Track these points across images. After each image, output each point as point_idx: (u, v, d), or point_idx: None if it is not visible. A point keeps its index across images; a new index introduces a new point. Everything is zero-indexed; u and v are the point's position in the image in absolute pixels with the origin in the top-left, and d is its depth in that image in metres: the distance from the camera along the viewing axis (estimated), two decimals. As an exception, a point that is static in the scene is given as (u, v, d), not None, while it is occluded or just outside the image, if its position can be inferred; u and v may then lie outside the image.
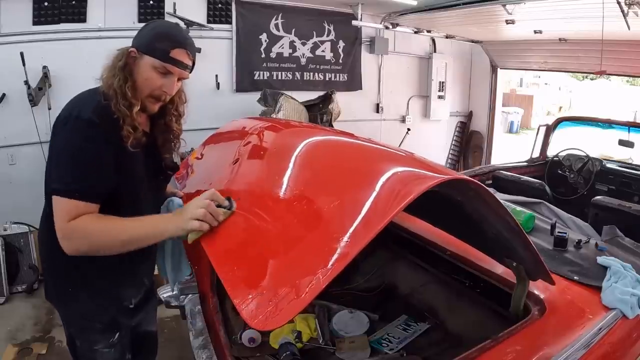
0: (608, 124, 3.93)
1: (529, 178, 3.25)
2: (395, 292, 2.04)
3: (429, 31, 5.50)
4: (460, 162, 6.63)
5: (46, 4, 3.46)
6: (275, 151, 1.53)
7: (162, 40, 1.22)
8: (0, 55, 3.35)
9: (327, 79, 5.13)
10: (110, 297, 1.39)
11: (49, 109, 3.48)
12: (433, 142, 6.31)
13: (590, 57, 4.58)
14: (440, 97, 6.09)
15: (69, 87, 3.34)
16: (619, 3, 3.06)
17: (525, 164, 3.95)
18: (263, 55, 4.65)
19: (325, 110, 4.33)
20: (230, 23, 4.39)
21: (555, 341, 1.25)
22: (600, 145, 4.91)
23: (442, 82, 6.05)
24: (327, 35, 5.03)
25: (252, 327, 0.88)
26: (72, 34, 3.62)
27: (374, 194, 1.00)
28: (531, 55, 5.65)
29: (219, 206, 1.16)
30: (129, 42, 1.28)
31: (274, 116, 3.77)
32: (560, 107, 15.94)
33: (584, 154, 3.73)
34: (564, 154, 3.86)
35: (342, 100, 4.58)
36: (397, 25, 5.21)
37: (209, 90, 4.38)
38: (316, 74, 5.05)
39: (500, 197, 2.25)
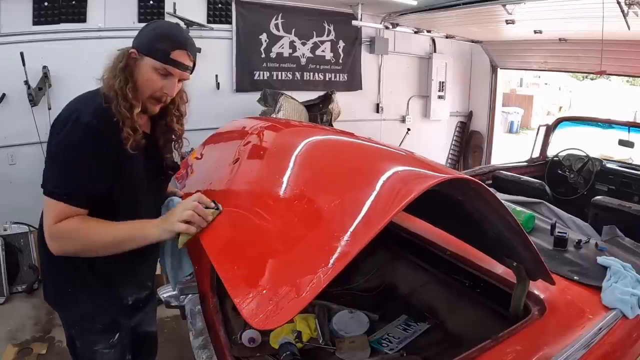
0: (608, 124, 3.93)
1: (529, 178, 3.25)
2: (395, 292, 2.04)
3: (429, 31, 5.50)
4: (460, 162, 6.63)
5: (46, 4, 3.46)
6: (275, 151, 1.53)
7: (163, 42, 1.22)
8: (0, 55, 3.35)
9: (327, 79, 5.13)
10: (110, 298, 1.39)
11: (49, 109, 3.47)
12: (433, 142, 6.31)
13: (590, 57, 4.58)
14: (440, 97, 6.09)
15: (69, 87, 3.35)
16: (619, 3, 3.06)
17: (525, 164, 3.95)
18: (263, 55, 4.65)
19: (325, 110, 4.33)
20: (230, 23, 4.39)
21: (555, 341, 1.25)
22: (600, 145, 4.91)
23: (442, 82, 6.05)
24: (327, 35, 5.03)
25: (253, 326, 0.88)
26: (72, 34, 3.62)
27: (375, 193, 1.00)
28: (531, 55, 5.65)
29: (207, 208, 1.18)
30: (129, 42, 1.27)
31: (274, 116, 3.77)
32: (560, 107, 15.94)
33: (584, 154, 3.73)
34: (564, 154, 3.86)
35: (342, 100, 4.58)
36: (397, 25, 5.22)
37: (209, 90, 4.38)
38: (316, 74, 5.05)
39: (500, 197, 2.25)
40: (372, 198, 0.98)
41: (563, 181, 3.79)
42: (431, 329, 1.73)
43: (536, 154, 4.06)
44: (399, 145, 5.65)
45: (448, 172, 1.08)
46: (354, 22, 4.89)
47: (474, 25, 4.89)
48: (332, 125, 4.25)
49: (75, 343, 1.42)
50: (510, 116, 13.28)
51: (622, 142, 3.68)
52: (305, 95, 4.57)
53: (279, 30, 4.69)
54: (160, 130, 1.41)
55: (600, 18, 3.33)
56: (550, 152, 4.00)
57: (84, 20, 3.66)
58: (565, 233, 1.88)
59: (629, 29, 3.32)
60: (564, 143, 3.99)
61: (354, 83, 5.36)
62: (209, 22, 4.26)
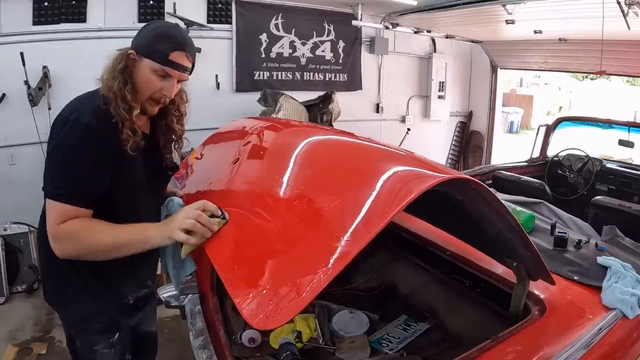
0: (608, 124, 3.93)
1: (529, 178, 3.25)
2: (395, 292, 2.04)
3: (429, 31, 5.50)
4: (460, 162, 6.63)
5: (46, 4, 3.46)
6: (275, 151, 1.53)
7: (161, 43, 1.21)
8: (0, 55, 3.35)
9: (327, 79, 5.13)
10: (110, 298, 1.39)
11: (49, 109, 3.47)
12: (433, 142, 6.31)
13: (590, 57, 4.58)
14: (440, 97, 6.09)
15: (69, 87, 3.35)
16: (619, 3, 3.06)
17: (525, 164, 3.95)
18: (263, 55, 4.65)
19: (325, 110, 4.33)
20: (230, 23, 4.39)
21: (555, 341, 1.25)
22: (600, 145, 4.91)
23: (442, 82, 6.05)
24: (327, 35, 5.03)
25: (253, 326, 0.88)
26: (72, 34, 3.62)
27: (375, 193, 1.00)
28: (531, 55, 5.65)
29: (212, 216, 1.13)
30: (129, 43, 1.27)
31: (274, 116, 3.77)
32: (560, 107, 15.94)
33: (584, 154, 3.73)
34: (564, 154, 3.86)
35: (342, 100, 4.58)
36: (397, 25, 5.21)
37: (209, 90, 4.37)
38: (316, 74, 5.05)
39: (500, 197, 2.25)
40: (372, 198, 0.98)
41: (563, 181, 3.79)
42: (431, 329, 1.73)
43: (536, 154, 4.06)
44: (399, 145, 5.65)
45: (448, 172, 1.08)
46: (354, 22, 4.89)
47: (474, 25, 4.89)
48: (332, 125, 4.25)
49: (75, 343, 1.42)
50: (510, 116, 13.28)
51: (622, 142, 3.68)
52: (305, 95, 4.57)
53: (279, 30, 4.69)
54: (160, 131, 1.41)
55: (600, 18, 3.33)
56: (550, 152, 4.00)
57: (84, 20, 3.66)
58: (565, 233, 1.88)
59: (629, 29, 3.32)
60: (564, 143, 3.99)
61: (354, 83, 5.36)
62: (209, 22, 4.26)
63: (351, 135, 1.56)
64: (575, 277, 1.57)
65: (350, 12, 4.95)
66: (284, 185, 1.19)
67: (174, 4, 3.94)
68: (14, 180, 3.54)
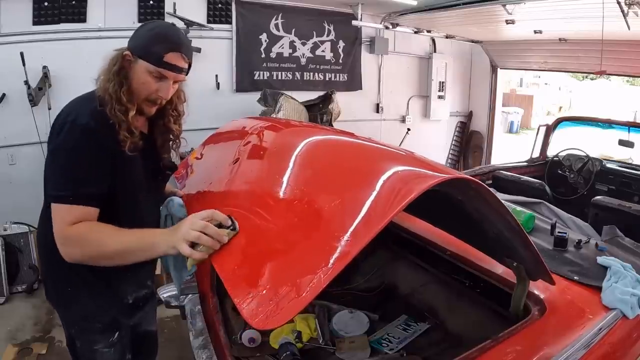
0: (608, 124, 3.93)
1: (529, 178, 3.25)
2: (395, 292, 2.04)
3: (429, 31, 5.50)
4: (460, 162, 6.63)
5: (46, 4, 3.46)
6: (275, 150, 1.52)
7: (156, 44, 1.20)
8: (0, 55, 3.35)
9: (327, 79, 5.13)
10: (110, 298, 1.39)
11: (49, 109, 3.48)
12: (433, 142, 6.31)
13: (590, 57, 4.58)
14: (440, 97, 6.09)
15: (69, 87, 3.35)
16: (619, 3, 3.06)
17: (525, 164, 3.95)
18: (263, 55, 4.65)
19: (325, 110, 4.33)
20: (230, 23, 4.39)
21: (555, 341, 1.25)
22: (600, 145, 4.91)
23: (442, 82, 6.05)
24: (327, 35, 5.03)
25: (253, 326, 0.88)
26: (72, 34, 3.62)
27: (375, 192, 1.00)
28: (531, 55, 5.66)
29: (220, 226, 1.06)
30: (129, 43, 1.27)
31: (274, 116, 3.77)
32: (560, 107, 15.94)
33: (584, 154, 3.73)
34: (564, 154, 3.86)
35: (342, 100, 4.58)
36: (397, 25, 5.22)
37: (209, 90, 4.38)
38: (316, 74, 5.05)
39: (500, 197, 2.25)
40: (372, 198, 0.98)
41: (563, 181, 3.79)
42: (431, 329, 1.72)
43: (536, 154, 4.06)
44: (399, 145, 5.65)
45: (448, 172, 1.08)
46: (354, 22, 4.89)
47: (474, 25, 4.89)
48: (332, 125, 4.25)
49: (75, 343, 1.42)
50: (510, 116, 13.28)
51: (622, 142, 3.68)
52: (305, 95, 4.57)
53: (279, 30, 4.69)
54: (158, 131, 1.41)
55: (600, 18, 3.33)
56: (550, 152, 4.00)
57: (84, 20, 3.66)
58: (565, 233, 1.88)
59: (629, 29, 3.32)
60: (564, 143, 4.00)
61: (354, 83, 5.36)
62: (209, 22, 4.26)
63: (351, 135, 1.56)
64: (575, 277, 1.57)
65: (350, 12, 4.95)
66: (284, 185, 1.19)
67: (174, 4, 3.94)
68: (14, 180, 3.54)
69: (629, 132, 3.63)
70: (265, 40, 4.63)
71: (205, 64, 4.15)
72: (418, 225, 1.95)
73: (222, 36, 4.39)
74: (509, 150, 7.63)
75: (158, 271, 1.69)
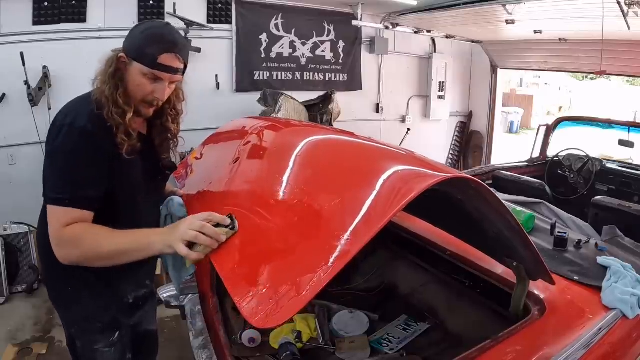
0: (608, 124, 3.93)
1: (529, 178, 3.25)
2: (395, 292, 2.04)
3: (429, 31, 5.50)
4: (460, 162, 6.63)
5: (46, 4, 3.46)
6: (275, 150, 1.52)
7: (150, 46, 1.19)
8: (0, 55, 3.35)
9: (327, 79, 5.13)
10: (110, 298, 1.39)
11: (49, 109, 3.47)
12: (433, 142, 6.31)
13: (590, 57, 4.58)
14: (440, 97, 6.09)
15: (69, 87, 3.35)
16: (619, 3, 3.06)
17: (525, 164, 3.95)
18: (263, 55, 4.65)
19: (325, 110, 4.33)
20: (230, 23, 4.39)
21: (555, 341, 1.25)
22: (600, 145, 4.91)
23: (442, 82, 6.05)
24: (327, 35, 5.03)
25: (253, 324, 0.88)
26: (72, 34, 3.62)
27: (375, 192, 1.00)
28: (531, 55, 5.65)
29: (218, 226, 1.06)
30: (129, 43, 1.27)
31: (274, 116, 3.77)
32: (560, 107, 15.94)
33: (584, 154, 3.73)
34: (564, 154, 3.86)
35: (342, 100, 4.58)
36: (397, 25, 5.21)
37: (209, 90, 4.37)
38: (316, 74, 5.05)
39: (500, 197, 2.25)
40: (372, 197, 0.98)
41: (563, 181, 3.79)
42: (431, 329, 1.72)
43: (536, 154, 4.06)
44: (399, 145, 5.65)
45: (448, 171, 1.08)
46: (354, 22, 4.89)
47: (474, 25, 4.89)
48: (332, 125, 4.25)
49: (75, 342, 1.42)
50: (510, 116, 13.28)
51: (622, 142, 3.68)
52: (305, 95, 4.57)
53: (279, 30, 4.69)
54: (156, 131, 1.41)
55: (600, 18, 3.33)
56: (550, 152, 4.00)
57: (84, 20, 3.66)
58: (565, 233, 1.88)
59: (629, 29, 3.32)
60: (564, 143, 4.00)
61: (354, 83, 5.36)
62: (209, 22, 4.25)
63: (351, 134, 1.56)
64: (575, 277, 1.57)
65: (350, 12, 4.95)
66: (284, 184, 1.19)
67: (174, 4, 3.94)
68: (14, 180, 3.54)
69: (629, 132, 3.63)
70: (265, 40, 4.63)
71: (205, 64, 4.15)
72: (418, 225, 1.95)
73: (222, 36, 4.39)
74: (509, 150, 7.63)
75: (158, 271, 1.68)
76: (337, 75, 5.20)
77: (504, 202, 1.15)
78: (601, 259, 1.68)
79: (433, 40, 5.94)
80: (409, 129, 5.93)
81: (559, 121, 4.10)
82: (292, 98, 4.12)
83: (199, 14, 4.19)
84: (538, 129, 4.14)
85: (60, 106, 1.25)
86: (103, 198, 1.21)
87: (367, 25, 5.08)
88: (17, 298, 3.25)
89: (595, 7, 3.26)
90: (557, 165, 3.87)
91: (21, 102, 3.40)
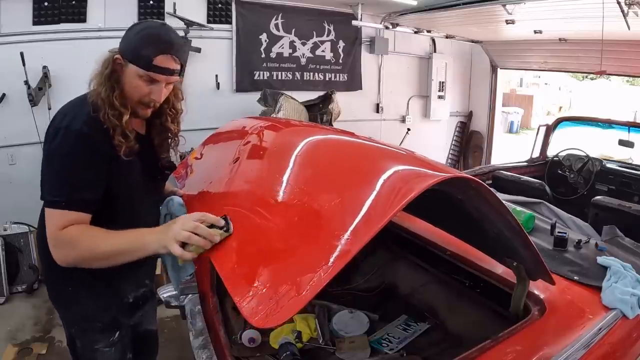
0: (608, 124, 3.93)
1: (529, 178, 3.24)
2: (395, 292, 2.04)
3: (429, 31, 5.50)
4: (460, 162, 6.63)
5: (46, 4, 3.46)
6: (275, 150, 1.52)
7: (146, 47, 1.18)
8: (0, 55, 3.35)
9: (327, 79, 5.13)
10: (110, 297, 1.39)
11: (49, 109, 3.47)
12: (433, 142, 6.31)
13: (590, 57, 4.58)
14: (440, 97, 6.09)
15: (69, 87, 3.34)
16: (619, 3, 3.06)
17: (525, 164, 3.95)
18: (263, 55, 4.65)
19: (325, 110, 4.33)
20: (230, 23, 4.39)
21: (555, 341, 1.25)
22: (600, 145, 4.91)
23: (442, 82, 6.05)
24: (327, 35, 5.03)
25: (253, 324, 0.88)
26: (72, 34, 3.62)
27: (375, 191, 1.00)
28: (531, 55, 5.65)
29: (212, 227, 1.06)
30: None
31: (274, 116, 3.77)
32: (560, 107, 15.94)
33: (584, 154, 3.73)
34: (564, 154, 3.86)
35: (342, 100, 4.58)
36: (397, 25, 5.21)
37: (209, 90, 4.37)
38: (316, 74, 5.05)
39: (500, 197, 2.25)
40: (372, 197, 0.98)
41: (563, 181, 3.79)
42: (431, 329, 1.72)
43: (536, 154, 4.06)
44: (399, 145, 5.64)
45: (448, 171, 1.08)
46: (354, 22, 4.89)
47: (474, 25, 4.89)
48: (332, 125, 4.25)
49: (75, 342, 1.42)
50: (510, 116, 13.28)
51: (622, 142, 3.68)
52: (305, 95, 4.57)
53: (279, 30, 4.69)
54: (155, 130, 1.41)
55: (600, 18, 3.33)
56: (550, 152, 4.00)
57: (84, 20, 3.65)
58: (565, 233, 1.88)
59: (629, 29, 3.32)
60: (564, 143, 4.00)
61: (354, 83, 5.35)
62: (209, 22, 4.25)
63: (351, 134, 1.56)
64: (575, 277, 1.57)
65: (350, 12, 4.95)
66: (284, 184, 1.19)
67: (174, 4, 3.94)
68: (14, 180, 3.54)
69: (629, 132, 3.63)
70: (265, 40, 4.63)
71: (205, 64, 4.15)
72: (418, 225, 1.95)
73: (222, 36, 4.39)
74: (509, 150, 7.63)
75: (158, 271, 1.68)
76: (337, 75, 5.20)
77: (504, 202, 1.15)
78: (601, 259, 1.68)
79: (433, 40, 5.94)
80: (409, 129, 5.93)
81: (559, 121, 4.10)
82: (292, 98, 4.12)
83: (199, 14, 4.19)
84: (538, 129, 4.14)
85: (60, 106, 1.25)
86: (101, 199, 1.21)
87: (367, 25, 5.08)
88: (17, 298, 3.25)
89: (595, 7, 3.26)
90: (557, 165, 3.87)
91: (21, 102, 3.40)
